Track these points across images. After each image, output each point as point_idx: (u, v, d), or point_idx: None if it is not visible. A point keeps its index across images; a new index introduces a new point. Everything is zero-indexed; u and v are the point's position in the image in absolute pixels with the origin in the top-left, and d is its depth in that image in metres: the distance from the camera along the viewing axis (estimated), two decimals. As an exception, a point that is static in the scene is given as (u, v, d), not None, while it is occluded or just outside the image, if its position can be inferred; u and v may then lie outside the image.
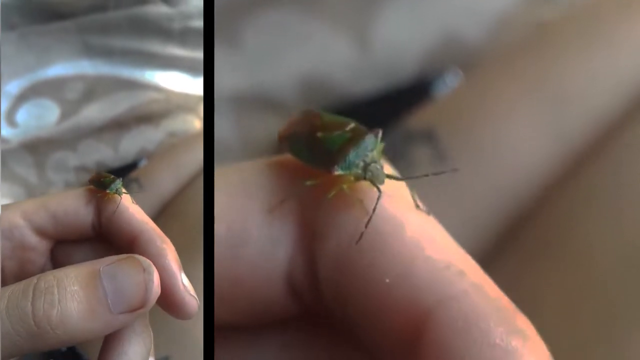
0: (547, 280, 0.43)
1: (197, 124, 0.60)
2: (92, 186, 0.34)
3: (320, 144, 0.25)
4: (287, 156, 0.25)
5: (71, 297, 0.25)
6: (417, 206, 0.23)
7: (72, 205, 0.32)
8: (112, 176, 0.33)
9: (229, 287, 0.23)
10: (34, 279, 0.25)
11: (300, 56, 0.61)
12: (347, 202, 0.23)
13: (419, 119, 0.51)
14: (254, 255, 0.23)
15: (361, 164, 0.24)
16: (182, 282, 0.29)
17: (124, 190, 0.33)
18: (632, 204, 0.42)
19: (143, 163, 0.58)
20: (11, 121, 0.58)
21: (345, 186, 0.24)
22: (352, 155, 0.24)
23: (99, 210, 0.33)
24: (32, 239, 0.32)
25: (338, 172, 0.24)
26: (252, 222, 0.23)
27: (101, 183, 0.33)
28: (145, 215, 0.32)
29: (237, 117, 0.61)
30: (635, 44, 0.47)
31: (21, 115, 0.58)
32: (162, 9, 0.60)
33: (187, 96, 0.61)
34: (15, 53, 0.59)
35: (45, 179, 0.57)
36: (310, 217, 0.23)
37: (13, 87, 0.59)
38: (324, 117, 0.26)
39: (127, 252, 0.30)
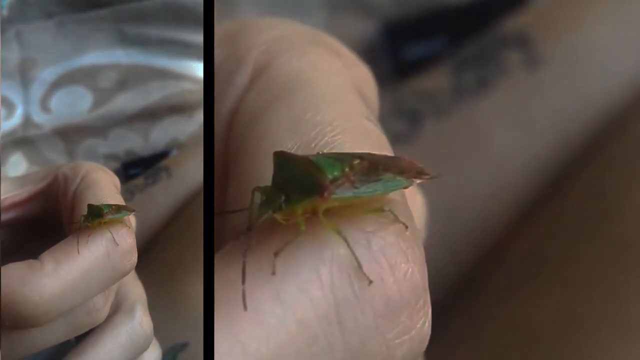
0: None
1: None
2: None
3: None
4: None
5: None
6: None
7: None
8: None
9: None
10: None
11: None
12: None
13: (514, 22, 0.49)
14: None
15: None
16: None
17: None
18: None
19: (174, 153, 0.58)
20: (45, 107, 0.58)
21: None
22: None
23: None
24: None
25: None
26: None
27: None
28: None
29: (328, 19, 0.60)
30: None
31: (55, 102, 0.58)
32: (200, -3, 0.60)
33: (220, 87, 0.60)
34: (52, 41, 0.60)
35: (75, 165, 0.57)
36: None
37: (48, 74, 0.59)
38: None
39: None
